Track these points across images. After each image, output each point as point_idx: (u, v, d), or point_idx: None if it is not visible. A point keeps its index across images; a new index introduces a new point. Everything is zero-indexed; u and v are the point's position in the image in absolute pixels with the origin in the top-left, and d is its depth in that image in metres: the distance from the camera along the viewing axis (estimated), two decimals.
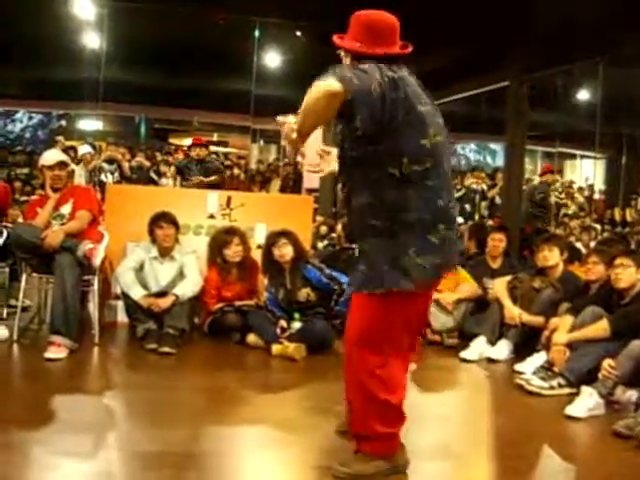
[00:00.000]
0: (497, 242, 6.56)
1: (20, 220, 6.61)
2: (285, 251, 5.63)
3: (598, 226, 13.88)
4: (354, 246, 3.30)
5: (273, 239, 5.68)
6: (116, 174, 10.73)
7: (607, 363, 4.28)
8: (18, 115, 20.29)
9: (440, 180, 2.96)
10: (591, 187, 18.38)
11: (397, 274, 2.94)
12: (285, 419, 3.90)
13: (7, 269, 5.56)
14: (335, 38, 3.07)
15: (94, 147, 11.93)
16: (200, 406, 4.17)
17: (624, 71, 12.13)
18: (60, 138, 14.01)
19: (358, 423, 3.17)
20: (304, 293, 5.59)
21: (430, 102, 3.00)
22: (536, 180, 13.92)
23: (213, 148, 17.15)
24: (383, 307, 3.01)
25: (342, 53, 3.06)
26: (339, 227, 10.12)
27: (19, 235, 5.02)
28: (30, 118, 20.39)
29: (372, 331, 3.04)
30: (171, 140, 20.87)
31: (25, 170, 13.90)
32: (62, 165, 5.48)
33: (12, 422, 3.58)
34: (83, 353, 4.95)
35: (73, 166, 6.68)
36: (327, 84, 2.61)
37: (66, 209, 5.40)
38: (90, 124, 19.77)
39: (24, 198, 10.58)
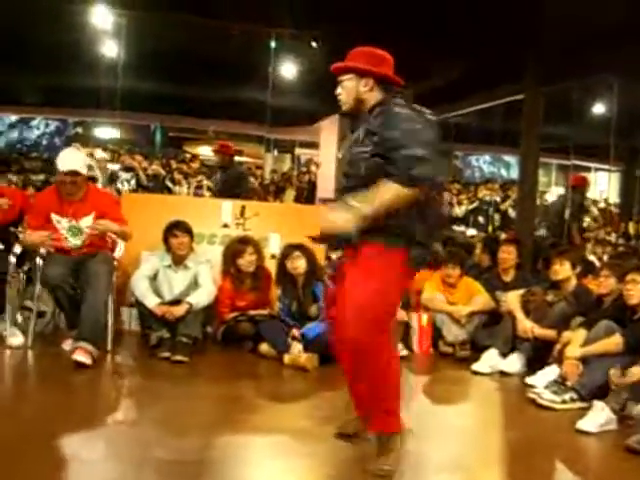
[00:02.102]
0: (507, 254, 6.56)
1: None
2: (298, 264, 5.67)
3: (612, 239, 13.83)
4: None
5: (288, 251, 5.73)
6: (132, 182, 10.79)
7: (613, 372, 4.27)
8: (35, 122, 20.45)
9: None
10: (605, 200, 18.34)
11: None
12: (297, 429, 3.91)
13: (23, 275, 5.59)
14: (345, 62, 3.40)
15: (112, 152, 11.99)
16: (212, 414, 4.19)
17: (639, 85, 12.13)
18: (77, 145, 14.10)
19: (379, 408, 3.36)
20: (314, 309, 5.62)
21: None
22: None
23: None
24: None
25: (345, 77, 3.38)
26: None
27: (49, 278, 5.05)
28: (47, 125, 20.54)
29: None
30: (186, 148, 20.94)
31: (41, 177, 13.94)
32: (75, 174, 5.20)
33: (26, 426, 3.61)
34: (97, 360, 4.98)
35: (98, 173, 6.59)
36: (412, 192, 3.04)
37: (86, 222, 5.27)
38: (106, 132, 19.89)
39: None
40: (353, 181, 3.26)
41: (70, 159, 5.33)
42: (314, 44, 11.21)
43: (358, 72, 3.35)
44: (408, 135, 3.07)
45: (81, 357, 4.70)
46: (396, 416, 3.37)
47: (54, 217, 5.27)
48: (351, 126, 3.47)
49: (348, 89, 3.37)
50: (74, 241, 5.27)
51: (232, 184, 8.69)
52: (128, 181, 10.49)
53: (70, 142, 16.53)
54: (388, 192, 3.05)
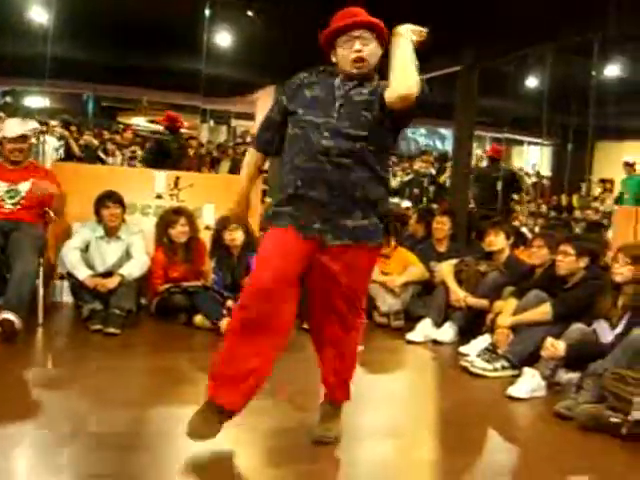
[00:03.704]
0: (441, 225, 6.64)
1: None
2: (236, 235, 5.64)
3: (544, 211, 14.14)
4: None
5: (225, 222, 5.67)
6: (61, 151, 10.51)
7: (550, 342, 4.35)
8: None
9: None
10: (537, 173, 18.69)
11: None
12: None
13: None
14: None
15: (41, 124, 11.63)
16: (146, 387, 4.15)
17: (572, 59, 12.33)
18: (0, 114, 13.67)
19: (349, 377, 3.38)
20: None
21: None
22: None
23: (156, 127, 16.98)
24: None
25: (367, 35, 3.07)
26: None
27: None
28: None
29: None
30: (119, 119, 20.56)
31: None
32: (24, 138, 5.38)
33: None
34: (27, 333, 4.86)
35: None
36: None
37: (24, 186, 5.29)
38: (37, 101, 19.35)
39: None
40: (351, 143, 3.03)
41: (18, 126, 5.48)
42: (250, 13, 11.06)
43: (381, 34, 3.11)
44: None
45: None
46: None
47: None
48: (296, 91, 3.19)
49: (373, 49, 3.09)
50: (10, 202, 5.24)
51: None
52: (57, 150, 10.21)
53: None
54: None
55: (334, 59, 3.16)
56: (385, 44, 3.11)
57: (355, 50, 3.05)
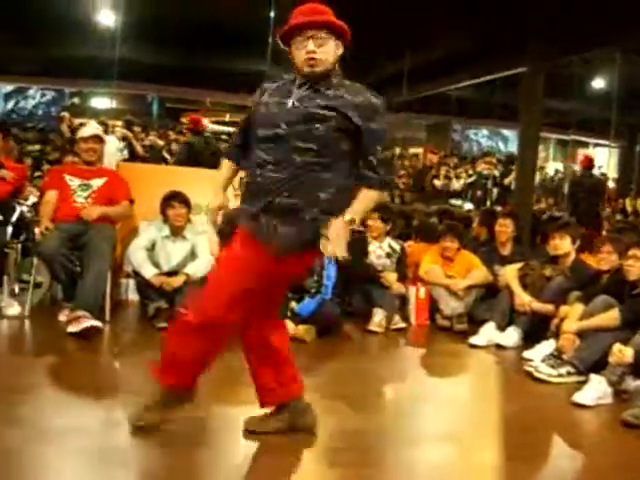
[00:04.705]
0: (504, 228, 6.55)
1: (33, 198, 6.64)
2: None
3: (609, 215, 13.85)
4: None
5: None
6: (125, 152, 10.68)
7: (617, 348, 4.26)
8: (31, 92, 20.30)
9: None
10: (604, 175, 18.31)
11: None
12: None
13: (19, 245, 5.59)
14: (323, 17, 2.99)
15: (104, 125, 11.85)
16: (211, 386, 4.18)
17: None
18: (65, 114, 13.96)
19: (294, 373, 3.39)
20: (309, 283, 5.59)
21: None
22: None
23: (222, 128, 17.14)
24: None
25: (323, 34, 2.94)
26: None
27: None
28: (43, 95, 20.40)
29: None
30: (183, 119, 20.84)
31: (37, 147, 13.86)
32: (97, 138, 5.64)
33: (17, 392, 3.65)
34: (94, 330, 4.97)
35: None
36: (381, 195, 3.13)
37: (97, 182, 5.52)
38: (103, 102, 19.77)
39: (37, 174, 10.56)
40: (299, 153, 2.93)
41: (91, 127, 5.91)
42: None
43: (337, 31, 2.98)
44: (384, 135, 3.01)
45: (73, 328, 4.73)
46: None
47: (67, 177, 5.53)
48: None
49: (329, 49, 2.95)
50: (82, 195, 5.44)
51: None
52: (121, 150, 10.38)
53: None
54: (372, 201, 3.06)
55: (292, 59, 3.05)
56: (346, 42, 3.02)
57: (308, 51, 2.93)
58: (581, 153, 14.14)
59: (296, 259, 3.05)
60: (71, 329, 4.71)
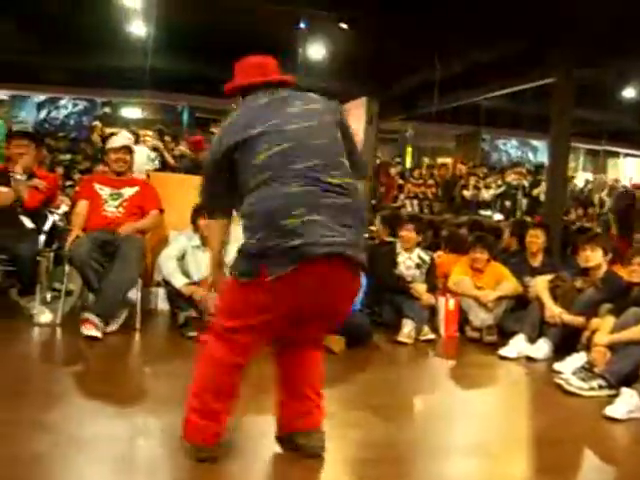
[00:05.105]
0: (535, 239, 6.51)
1: (65, 207, 6.70)
2: None
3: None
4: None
5: None
6: (156, 162, 10.78)
7: None
8: (63, 102, 20.50)
9: None
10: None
11: None
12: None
13: (51, 254, 5.65)
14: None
15: (135, 134, 11.97)
16: (242, 395, 4.19)
17: None
18: (96, 123, 14.11)
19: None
20: None
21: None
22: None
23: None
24: None
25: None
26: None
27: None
28: (75, 105, 20.60)
29: None
30: (212, 129, 20.90)
31: (68, 156, 13.99)
32: (126, 149, 5.72)
33: (48, 399, 3.67)
34: (124, 338, 5.02)
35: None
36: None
37: (128, 191, 5.60)
38: (133, 112, 19.93)
39: (68, 183, 10.68)
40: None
41: (120, 137, 5.98)
42: (343, 25, 11.08)
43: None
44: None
45: (87, 331, 4.85)
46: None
47: (97, 186, 5.62)
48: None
49: None
50: (113, 204, 5.51)
51: None
52: (153, 160, 10.50)
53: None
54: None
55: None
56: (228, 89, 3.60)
57: None
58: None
59: None
60: (82, 330, 4.87)
